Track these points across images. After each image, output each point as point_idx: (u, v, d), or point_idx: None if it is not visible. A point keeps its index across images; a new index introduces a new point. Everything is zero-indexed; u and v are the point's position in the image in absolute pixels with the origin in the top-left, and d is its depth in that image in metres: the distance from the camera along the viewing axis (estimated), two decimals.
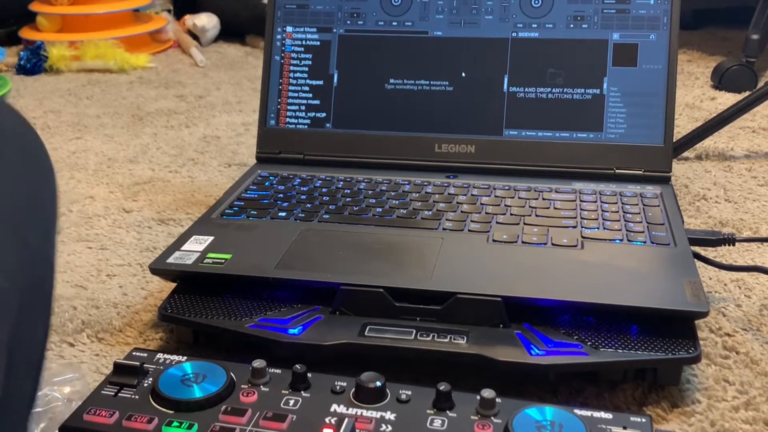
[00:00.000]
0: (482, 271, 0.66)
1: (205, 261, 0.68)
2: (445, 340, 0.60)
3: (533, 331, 0.60)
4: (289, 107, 0.91)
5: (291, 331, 0.61)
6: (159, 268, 0.68)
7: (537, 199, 0.80)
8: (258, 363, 0.57)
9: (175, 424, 0.52)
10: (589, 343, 0.59)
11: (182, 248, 0.70)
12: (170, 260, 0.68)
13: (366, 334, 0.60)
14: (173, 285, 0.69)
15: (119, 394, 0.55)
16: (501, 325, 0.61)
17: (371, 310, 0.62)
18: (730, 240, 0.74)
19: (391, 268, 0.67)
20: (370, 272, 0.65)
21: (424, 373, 0.58)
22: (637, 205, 0.78)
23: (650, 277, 0.65)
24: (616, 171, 0.84)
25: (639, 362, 0.58)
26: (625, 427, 0.51)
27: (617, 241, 0.71)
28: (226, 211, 0.78)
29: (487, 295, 0.61)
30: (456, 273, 0.66)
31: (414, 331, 0.61)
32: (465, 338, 0.60)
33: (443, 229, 0.74)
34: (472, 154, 0.87)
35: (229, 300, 0.65)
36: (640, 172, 0.84)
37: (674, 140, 0.88)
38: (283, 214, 0.77)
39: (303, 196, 0.81)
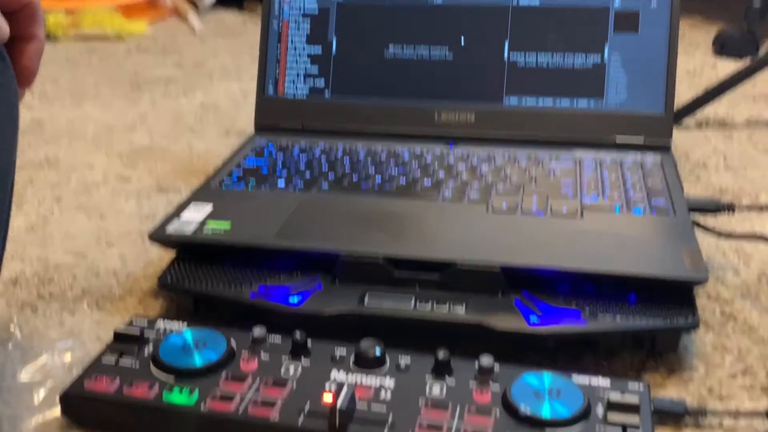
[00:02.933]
0: (481, 240, 0.66)
1: (204, 230, 0.68)
2: (444, 309, 0.60)
3: (532, 300, 0.61)
4: (287, 76, 0.90)
5: (291, 300, 0.61)
6: (158, 237, 0.68)
7: (537, 167, 0.80)
8: (258, 331, 0.57)
9: (176, 390, 0.53)
10: (587, 311, 0.59)
11: (181, 217, 0.70)
12: (170, 229, 0.68)
13: (365, 302, 0.61)
14: (173, 253, 0.69)
15: (120, 362, 0.56)
16: (500, 294, 0.61)
17: (371, 279, 0.62)
18: (729, 208, 0.74)
19: (390, 237, 0.67)
20: (369, 241, 0.65)
21: (423, 341, 0.58)
22: (638, 173, 0.78)
23: (649, 245, 0.65)
24: (617, 139, 0.84)
25: (637, 330, 0.58)
26: (622, 394, 0.51)
27: (617, 209, 0.71)
28: (225, 180, 0.78)
29: (486, 264, 0.61)
30: (455, 242, 0.66)
31: (413, 299, 0.61)
32: (464, 306, 0.60)
33: (443, 198, 0.74)
34: (472, 123, 0.87)
35: (229, 269, 0.65)
36: (641, 140, 0.84)
37: (675, 108, 0.88)
38: (283, 183, 0.77)
39: (302, 165, 0.81)
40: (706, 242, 0.77)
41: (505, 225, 0.69)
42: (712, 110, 1.11)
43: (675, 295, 0.60)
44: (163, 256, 0.75)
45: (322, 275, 0.64)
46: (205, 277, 0.65)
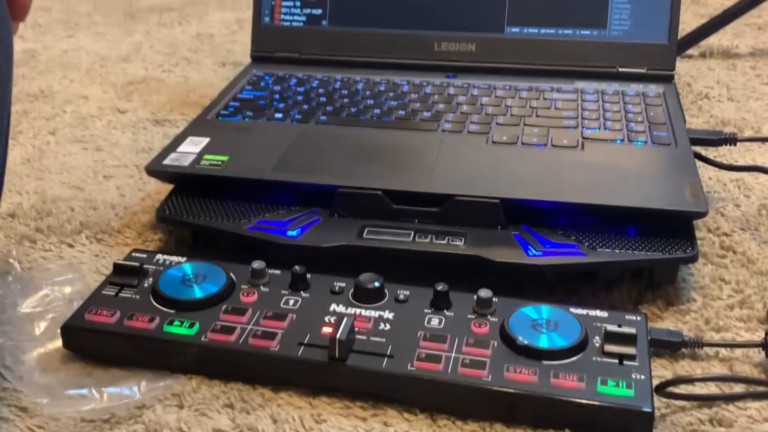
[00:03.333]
0: (481, 172, 0.66)
1: (201, 163, 0.67)
2: (443, 242, 0.60)
3: (531, 233, 0.61)
4: (284, 3, 0.88)
5: (289, 233, 0.61)
6: (155, 170, 0.67)
7: (538, 99, 0.79)
8: (257, 264, 0.57)
9: (177, 323, 0.53)
10: (586, 243, 0.59)
11: (178, 150, 0.69)
12: (166, 162, 0.68)
13: (364, 236, 0.61)
14: (170, 186, 0.68)
15: (120, 294, 0.56)
16: (499, 227, 0.61)
17: (369, 213, 0.62)
18: (731, 140, 0.73)
19: (389, 170, 0.66)
20: (368, 174, 0.65)
21: (421, 274, 0.58)
22: (639, 104, 0.77)
23: (650, 177, 0.65)
24: (619, 69, 0.83)
25: (636, 262, 0.58)
26: (619, 325, 0.52)
27: (618, 141, 0.70)
28: (222, 112, 0.77)
29: (485, 197, 0.61)
30: (455, 175, 0.65)
31: (412, 233, 0.61)
32: (463, 240, 0.60)
33: (442, 130, 0.73)
34: (472, 52, 0.85)
35: (228, 202, 0.65)
36: (644, 70, 0.83)
37: (678, 38, 0.86)
38: (280, 115, 0.76)
39: (300, 97, 0.80)
40: (706, 174, 0.76)
41: (505, 157, 0.68)
42: (716, 40, 1.09)
43: (675, 228, 0.60)
44: (161, 190, 0.75)
45: (320, 208, 0.64)
46: (203, 210, 0.64)
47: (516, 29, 0.85)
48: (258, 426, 0.48)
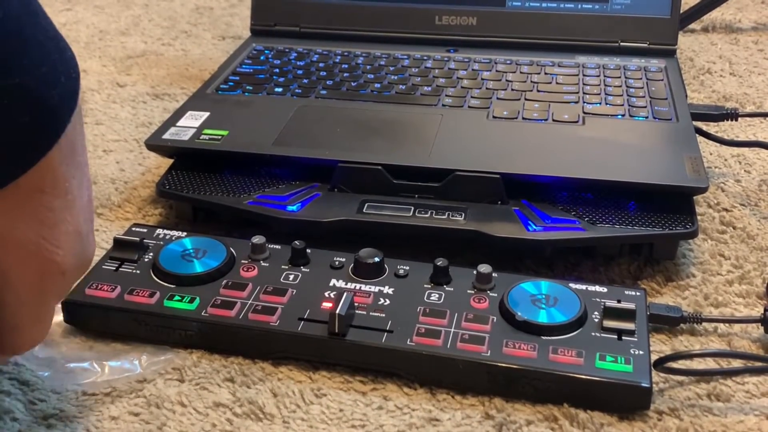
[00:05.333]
0: (481, 147, 0.66)
1: (201, 137, 0.67)
2: (443, 217, 0.60)
3: (531, 208, 0.60)
4: None
5: (289, 208, 0.61)
6: (155, 144, 0.67)
7: (539, 73, 0.78)
8: (257, 239, 0.57)
9: (177, 298, 0.53)
10: (586, 219, 0.59)
11: (178, 124, 0.69)
12: (166, 136, 0.67)
13: (364, 211, 0.60)
14: (170, 161, 0.68)
15: (120, 269, 0.56)
16: (499, 202, 0.61)
17: (369, 188, 0.62)
18: (732, 115, 0.73)
19: (389, 144, 0.66)
20: (368, 149, 0.65)
21: (421, 249, 0.58)
22: (641, 79, 0.77)
23: (650, 152, 0.65)
24: (621, 44, 0.82)
25: (636, 237, 0.58)
26: (619, 300, 0.52)
27: (619, 116, 0.70)
28: (221, 86, 0.77)
29: (485, 172, 0.61)
30: (455, 150, 0.65)
31: (412, 208, 0.61)
32: (463, 215, 0.60)
33: (443, 105, 0.73)
34: (473, 26, 0.85)
35: (228, 176, 0.65)
36: (645, 44, 0.82)
37: (681, 12, 0.86)
38: (280, 89, 0.76)
39: (300, 71, 0.80)
40: (707, 150, 0.76)
41: (505, 132, 0.68)
42: (718, 14, 1.08)
43: (675, 203, 0.60)
44: (161, 164, 0.75)
45: (320, 183, 0.63)
46: (203, 184, 0.64)
47: (517, 3, 0.84)
48: (258, 400, 0.48)
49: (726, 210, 0.67)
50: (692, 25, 1.06)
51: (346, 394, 0.49)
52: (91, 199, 0.44)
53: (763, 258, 0.61)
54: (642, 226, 0.58)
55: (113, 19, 1.14)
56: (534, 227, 0.58)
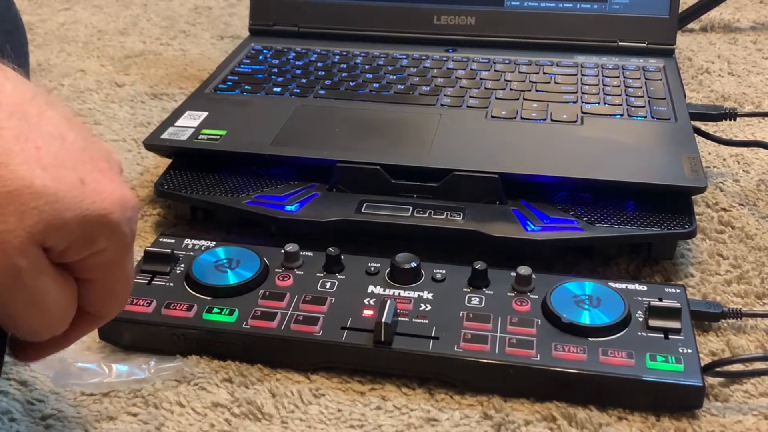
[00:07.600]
0: (480, 147, 0.66)
1: (199, 137, 0.67)
2: (442, 217, 0.60)
3: (529, 208, 0.60)
4: None
5: (288, 208, 0.61)
6: (153, 144, 0.67)
7: (538, 73, 0.78)
8: (291, 246, 0.56)
9: (216, 310, 0.52)
10: (584, 218, 0.59)
11: (176, 124, 0.69)
12: (164, 136, 0.67)
13: (363, 210, 0.60)
14: (169, 161, 0.68)
15: (153, 282, 0.54)
16: (497, 202, 0.61)
17: (368, 188, 0.62)
18: (731, 115, 0.73)
19: (388, 144, 0.66)
20: (366, 149, 0.65)
21: (420, 249, 0.58)
22: (639, 79, 0.77)
23: (649, 152, 0.65)
24: (620, 43, 0.82)
25: (634, 237, 0.58)
26: (661, 299, 0.51)
27: (617, 116, 0.70)
28: (220, 86, 0.77)
29: (484, 172, 0.61)
30: (453, 149, 0.65)
31: (411, 208, 0.60)
32: (461, 215, 0.60)
33: (441, 104, 0.73)
34: (472, 26, 0.85)
35: (226, 176, 0.65)
36: (644, 44, 0.82)
37: (679, 11, 0.86)
38: (278, 89, 0.76)
39: (298, 71, 0.80)
40: (706, 149, 0.76)
41: (504, 132, 0.68)
42: (717, 14, 1.08)
43: (673, 203, 0.60)
44: (159, 164, 0.75)
45: (319, 183, 0.63)
46: (201, 184, 0.64)
47: (516, 2, 0.84)
48: (257, 400, 0.48)
49: (724, 210, 0.67)
50: (691, 25, 1.06)
51: (344, 394, 0.49)
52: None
53: (761, 258, 0.61)
54: (640, 226, 0.58)
55: (112, 18, 1.14)
56: (532, 227, 0.58)
